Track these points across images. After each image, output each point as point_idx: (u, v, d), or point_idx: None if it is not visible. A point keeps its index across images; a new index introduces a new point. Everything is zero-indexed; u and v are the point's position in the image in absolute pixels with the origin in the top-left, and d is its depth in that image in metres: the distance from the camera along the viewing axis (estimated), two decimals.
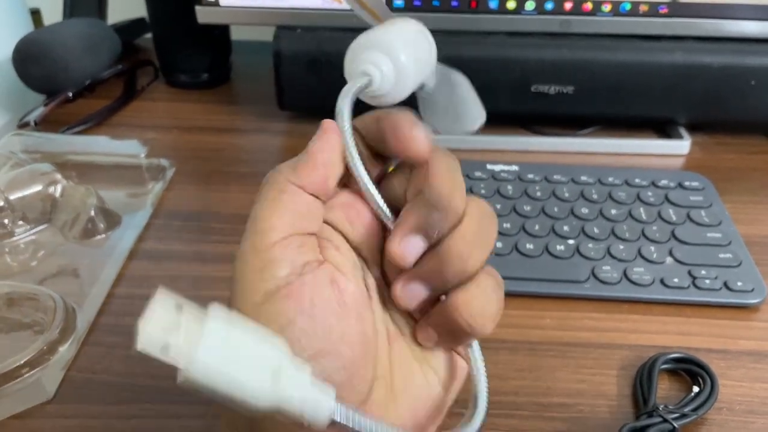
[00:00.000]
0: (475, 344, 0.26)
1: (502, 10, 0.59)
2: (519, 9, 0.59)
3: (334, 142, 0.24)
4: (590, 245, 0.49)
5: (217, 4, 0.61)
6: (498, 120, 0.66)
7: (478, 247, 0.24)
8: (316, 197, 0.24)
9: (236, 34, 0.77)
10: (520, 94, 0.61)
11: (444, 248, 0.23)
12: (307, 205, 0.24)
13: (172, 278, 0.47)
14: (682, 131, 0.64)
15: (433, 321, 0.25)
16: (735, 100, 0.61)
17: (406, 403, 0.24)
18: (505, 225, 0.51)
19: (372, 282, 0.26)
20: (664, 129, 0.66)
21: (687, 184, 0.55)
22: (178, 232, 0.52)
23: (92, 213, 0.50)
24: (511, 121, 0.66)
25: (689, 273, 0.47)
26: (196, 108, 0.70)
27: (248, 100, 0.72)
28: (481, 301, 0.24)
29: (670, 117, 0.64)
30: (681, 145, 0.63)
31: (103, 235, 0.50)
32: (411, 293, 0.24)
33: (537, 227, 0.51)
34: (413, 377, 0.25)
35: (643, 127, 0.66)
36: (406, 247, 0.24)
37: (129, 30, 0.79)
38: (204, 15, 0.62)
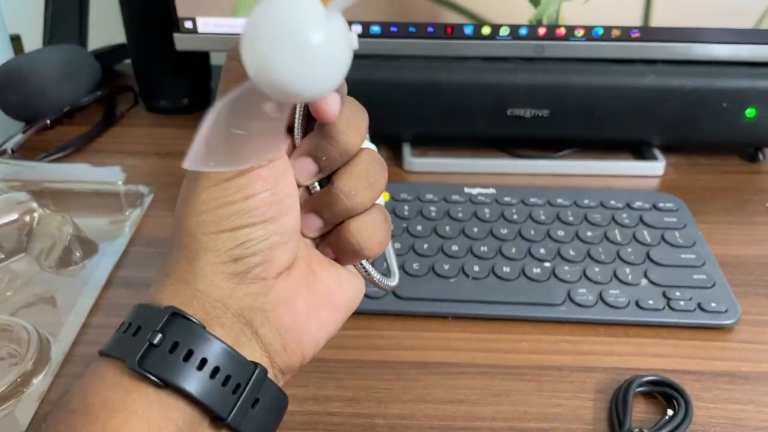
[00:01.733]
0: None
1: (477, 35, 0.60)
2: (494, 34, 0.60)
3: None
4: (566, 268, 0.49)
5: (195, 31, 0.62)
6: (475, 143, 0.67)
7: (364, 187, 0.28)
8: None
9: (216, 58, 0.77)
10: (496, 117, 0.62)
11: (334, 186, 0.28)
12: None
13: None
14: (657, 152, 0.65)
15: (332, 241, 0.30)
16: (707, 122, 0.62)
17: (322, 282, 0.29)
18: (482, 248, 0.51)
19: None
20: (639, 150, 0.67)
21: (661, 205, 0.56)
22: (156, 259, 0.52)
23: (68, 242, 0.50)
24: (487, 144, 0.67)
25: (664, 294, 0.47)
26: (176, 133, 0.70)
27: None
28: (370, 229, 0.29)
29: (644, 138, 0.65)
30: (655, 167, 0.64)
31: (80, 264, 0.50)
32: (308, 222, 0.29)
33: (514, 250, 0.51)
34: (329, 263, 0.30)
35: (618, 148, 0.67)
36: (297, 165, 0.28)
37: (109, 56, 0.79)
38: (182, 42, 0.62)
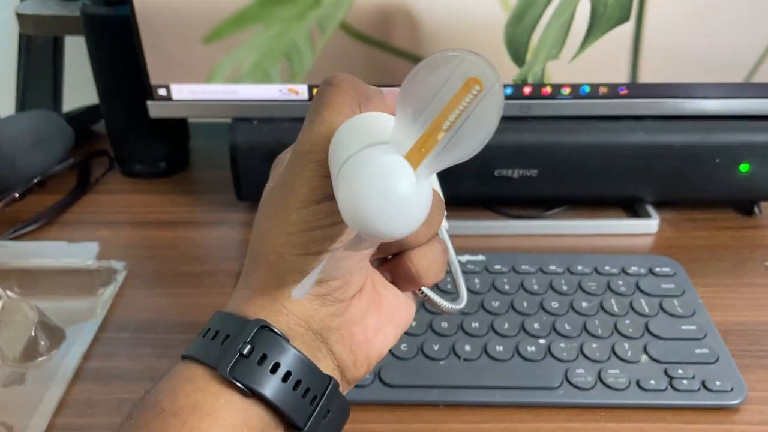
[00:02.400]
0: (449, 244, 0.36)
1: None
2: None
3: None
4: (562, 344, 0.47)
5: (169, 98, 0.59)
6: (462, 203, 0.65)
7: (425, 227, 0.28)
8: None
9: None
10: (483, 178, 0.60)
11: None
12: None
13: (120, 402, 0.44)
14: (650, 209, 0.63)
15: (391, 267, 0.31)
16: (701, 179, 0.60)
17: (386, 301, 0.31)
18: (473, 324, 0.49)
19: None
20: (631, 206, 0.65)
21: (658, 270, 0.54)
22: (128, 346, 0.49)
23: (33, 332, 0.47)
24: (475, 204, 0.65)
25: (666, 372, 0.45)
26: (153, 200, 0.67)
27: (208, 187, 0.70)
28: (429, 258, 0.30)
29: (636, 196, 0.63)
30: (649, 225, 0.62)
31: (46, 356, 0.47)
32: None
33: (506, 326, 0.49)
34: (389, 286, 0.32)
35: (610, 204, 0.65)
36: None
37: (83, 118, 0.77)
38: (156, 110, 0.60)
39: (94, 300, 0.53)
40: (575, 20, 0.54)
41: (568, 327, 0.48)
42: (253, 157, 0.59)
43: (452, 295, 0.37)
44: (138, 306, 0.53)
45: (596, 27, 0.55)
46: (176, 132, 0.71)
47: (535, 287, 0.52)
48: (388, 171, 0.22)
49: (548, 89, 0.58)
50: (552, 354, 0.46)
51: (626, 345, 0.47)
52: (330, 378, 0.28)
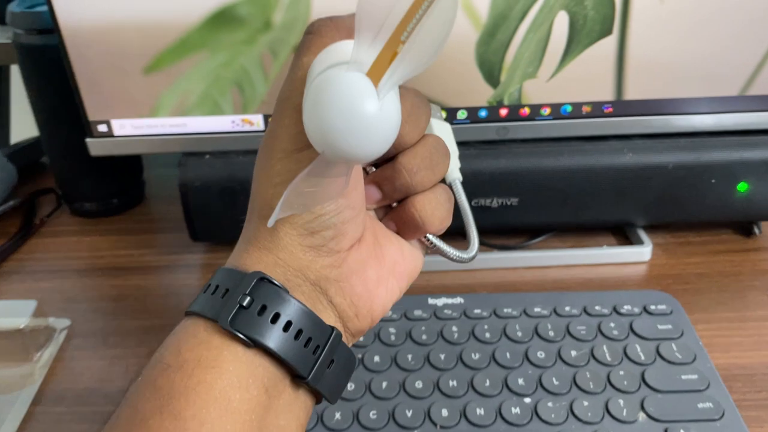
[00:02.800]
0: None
1: None
2: (450, 119, 0.53)
3: None
4: (550, 404, 0.42)
5: (111, 134, 0.54)
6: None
7: (426, 167, 0.30)
8: None
9: None
10: (457, 209, 0.55)
11: (397, 161, 0.30)
12: None
13: None
14: (642, 234, 0.58)
15: (396, 216, 0.32)
16: (696, 201, 0.55)
17: (388, 253, 0.31)
18: (451, 383, 0.44)
19: None
20: (622, 230, 0.60)
21: (653, 308, 0.49)
22: (64, 422, 0.43)
23: None
24: (452, 235, 0.60)
25: None
26: (103, 242, 0.62)
27: (163, 224, 0.65)
28: (433, 205, 0.30)
29: (626, 221, 0.58)
30: (641, 252, 0.57)
31: None
32: (368, 194, 0.31)
33: (487, 383, 0.44)
34: (393, 238, 0.32)
35: (599, 229, 0.60)
36: None
37: (29, 151, 0.71)
38: (97, 147, 0.55)
39: (29, 366, 0.48)
40: (552, 35, 0.49)
41: (556, 381, 0.43)
42: (206, 194, 0.54)
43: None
44: (78, 372, 0.47)
45: (576, 42, 0.50)
46: (128, 165, 0.66)
47: (519, 334, 0.47)
48: (347, 89, 0.21)
49: (526, 110, 0.53)
50: (539, 416, 0.41)
51: (621, 401, 0.42)
52: (332, 328, 0.28)
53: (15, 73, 0.83)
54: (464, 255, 0.34)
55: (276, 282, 0.27)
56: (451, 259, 0.33)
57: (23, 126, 0.83)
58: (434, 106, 0.37)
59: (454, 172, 0.36)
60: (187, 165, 0.54)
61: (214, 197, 0.54)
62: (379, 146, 0.23)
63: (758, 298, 0.52)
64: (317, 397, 0.29)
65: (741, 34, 0.50)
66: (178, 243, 0.60)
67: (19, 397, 0.45)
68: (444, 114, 0.51)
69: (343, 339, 0.29)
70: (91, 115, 0.53)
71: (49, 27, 0.56)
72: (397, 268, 0.31)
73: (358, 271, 0.29)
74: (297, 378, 0.27)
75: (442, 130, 0.36)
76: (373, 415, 0.42)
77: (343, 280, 0.29)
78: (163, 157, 0.73)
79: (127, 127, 0.54)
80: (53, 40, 0.56)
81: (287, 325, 0.27)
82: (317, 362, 0.27)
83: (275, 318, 0.27)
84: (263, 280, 0.27)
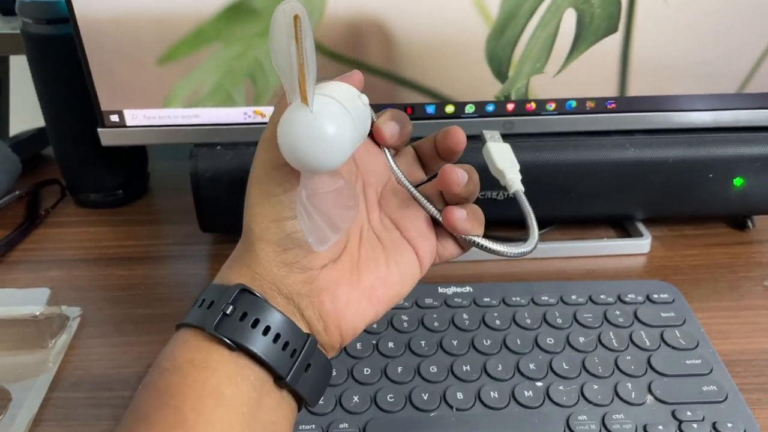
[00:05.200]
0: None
1: (440, 114, 0.55)
2: (458, 113, 0.55)
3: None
4: (561, 387, 0.43)
5: (123, 124, 0.54)
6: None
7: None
8: None
9: None
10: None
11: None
12: None
13: None
14: (641, 227, 0.60)
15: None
16: (694, 194, 0.57)
17: (367, 279, 0.34)
18: (464, 368, 0.45)
19: (370, 196, 0.37)
20: (621, 224, 0.62)
21: (656, 297, 0.50)
22: (82, 407, 0.44)
23: None
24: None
25: (674, 415, 0.41)
26: (109, 233, 0.62)
27: (169, 216, 0.65)
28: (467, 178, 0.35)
29: (626, 213, 0.60)
30: (641, 244, 0.59)
31: None
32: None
33: (500, 368, 0.45)
34: (377, 264, 0.35)
35: (599, 222, 0.62)
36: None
37: (32, 142, 0.71)
38: (109, 138, 0.55)
39: (43, 353, 0.48)
40: (560, 32, 0.51)
41: (566, 366, 0.45)
42: (217, 185, 0.55)
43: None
44: (92, 359, 0.48)
45: (583, 39, 0.51)
46: (133, 156, 0.66)
47: (528, 321, 0.48)
48: (287, 117, 0.28)
49: (532, 105, 0.55)
50: (551, 398, 0.43)
51: (629, 385, 0.43)
52: (308, 334, 0.32)
53: (14, 64, 0.82)
54: (518, 249, 0.36)
55: (256, 292, 0.31)
56: (507, 257, 0.36)
57: (21, 118, 0.83)
58: (493, 131, 0.44)
59: (516, 183, 0.40)
60: (198, 156, 0.54)
61: (225, 188, 0.55)
62: (333, 161, 0.28)
63: (753, 288, 0.54)
64: (298, 400, 0.32)
65: (739, 34, 0.52)
66: (185, 234, 0.61)
67: (35, 384, 0.45)
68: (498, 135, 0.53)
69: (320, 348, 0.32)
70: (104, 105, 0.53)
71: (59, 17, 0.56)
72: (374, 293, 0.34)
73: (329, 290, 0.32)
74: (278, 379, 0.30)
75: (502, 149, 0.41)
76: (390, 398, 0.43)
77: (313, 295, 0.32)
78: (167, 150, 0.73)
79: (139, 117, 0.54)
80: (62, 30, 0.56)
81: (266, 330, 0.30)
82: (295, 364, 0.30)
83: (255, 323, 0.30)
84: (244, 291, 0.31)
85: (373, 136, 0.35)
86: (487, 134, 0.47)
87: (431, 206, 0.35)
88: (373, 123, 0.35)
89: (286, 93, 0.28)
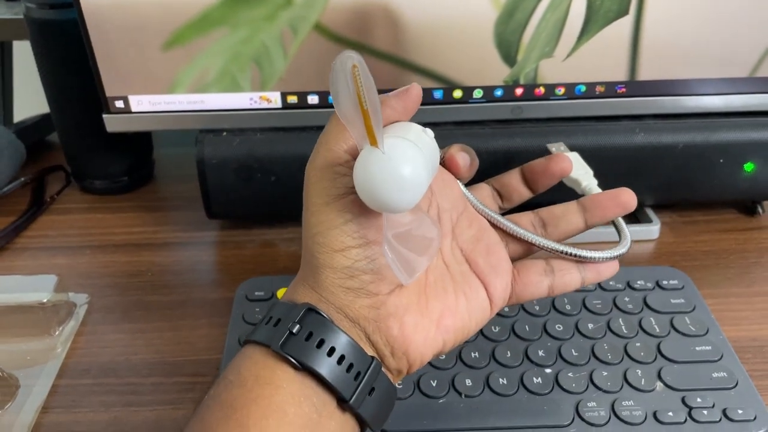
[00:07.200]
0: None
1: (447, 99, 0.54)
2: (466, 98, 0.54)
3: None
4: (570, 374, 0.43)
5: (128, 110, 0.54)
6: None
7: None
8: None
9: None
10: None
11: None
12: None
13: None
14: (650, 213, 0.60)
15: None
16: (704, 180, 0.56)
17: (435, 306, 0.34)
18: (473, 354, 0.45)
19: (444, 222, 0.36)
20: None
21: (665, 283, 0.50)
22: (90, 394, 0.44)
23: None
24: None
25: (683, 401, 0.41)
26: (115, 219, 0.62)
27: (175, 202, 0.65)
28: None
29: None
30: (650, 230, 0.58)
31: None
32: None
33: (509, 354, 0.45)
34: (446, 293, 0.34)
35: None
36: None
37: (36, 128, 0.71)
38: (113, 124, 0.55)
39: (51, 340, 0.48)
40: (570, 15, 0.50)
41: (575, 353, 0.45)
42: (223, 171, 0.54)
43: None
44: (100, 345, 0.48)
45: (593, 22, 0.51)
46: (138, 143, 0.66)
47: (537, 308, 0.48)
48: (362, 163, 0.28)
49: (541, 90, 0.54)
50: (560, 385, 0.43)
51: (639, 371, 0.43)
52: (373, 357, 0.31)
53: (18, 50, 0.82)
54: (610, 253, 0.38)
55: (322, 312, 0.31)
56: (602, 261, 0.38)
57: (25, 104, 0.82)
58: (557, 143, 0.49)
59: (594, 189, 0.44)
60: (204, 141, 0.54)
61: (231, 174, 0.54)
62: (410, 201, 0.28)
63: (763, 274, 0.54)
64: (360, 423, 0.31)
65: (751, 17, 0.51)
66: (191, 220, 0.60)
67: (43, 371, 0.45)
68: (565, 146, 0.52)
69: (385, 372, 0.32)
70: (109, 90, 0.53)
71: (63, 1, 0.56)
72: (442, 321, 0.33)
73: (396, 315, 0.32)
74: (341, 401, 0.30)
75: (573, 158, 0.44)
76: (399, 384, 0.42)
77: (381, 320, 0.32)
78: (172, 137, 0.73)
79: (144, 103, 0.54)
80: (66, 15, 0.56)
81: (331, 351, 0.30)
82: (359, 387, 0.30)
83: (320, 343, 0.30)
84: (311, 310, 0.31)
85: (445, 166, 0.37)
86: (552, 147, 0.50)
87: (514, 226, 0.38)
88: (442, 155, 0.36)
89: (355, 139, 0.29)
